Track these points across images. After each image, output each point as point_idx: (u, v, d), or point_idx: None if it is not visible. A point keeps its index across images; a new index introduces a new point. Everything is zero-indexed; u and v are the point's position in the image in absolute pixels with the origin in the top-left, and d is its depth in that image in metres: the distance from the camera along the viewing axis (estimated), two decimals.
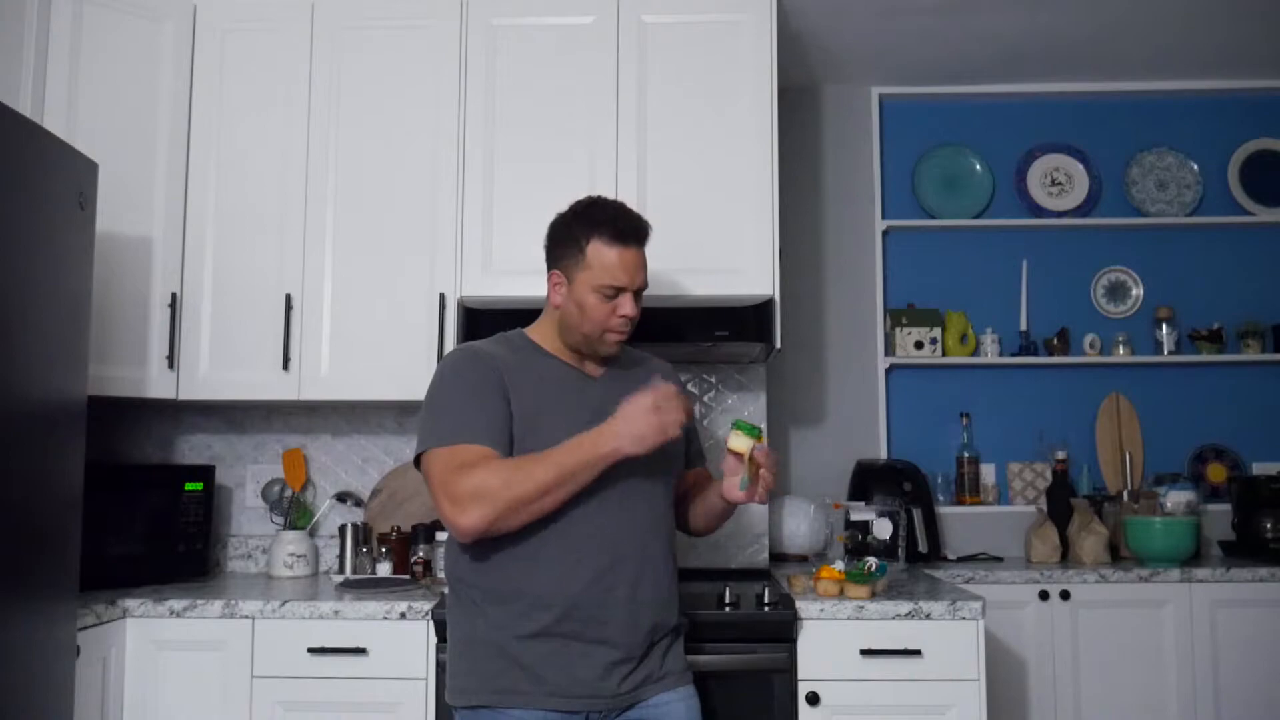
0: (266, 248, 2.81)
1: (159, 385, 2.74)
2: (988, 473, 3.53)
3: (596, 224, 1.90)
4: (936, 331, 3.50)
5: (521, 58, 2.83)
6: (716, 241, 2.75)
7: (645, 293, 1.96)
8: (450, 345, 2.72)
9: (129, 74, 2.74)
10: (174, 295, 2.76)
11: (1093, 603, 2.99)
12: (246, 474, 3.11)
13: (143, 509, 2.74)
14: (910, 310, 3.55)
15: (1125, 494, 3.35)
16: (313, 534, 3.04)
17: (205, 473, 2.86)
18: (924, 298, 3.59)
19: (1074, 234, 3.63)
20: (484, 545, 1.83)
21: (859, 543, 2.74)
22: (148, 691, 2.42)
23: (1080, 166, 3.65)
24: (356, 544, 2.91)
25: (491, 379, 1.86)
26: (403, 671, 2.38)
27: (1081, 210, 3.63)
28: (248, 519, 3.09)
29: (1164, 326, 3.52)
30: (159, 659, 2.43)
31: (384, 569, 2.80)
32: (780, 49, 2.90)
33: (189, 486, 2.81)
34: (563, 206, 1.99)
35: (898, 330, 3.52)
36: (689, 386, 3.09)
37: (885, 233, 3.60)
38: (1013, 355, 3.55)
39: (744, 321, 2.68)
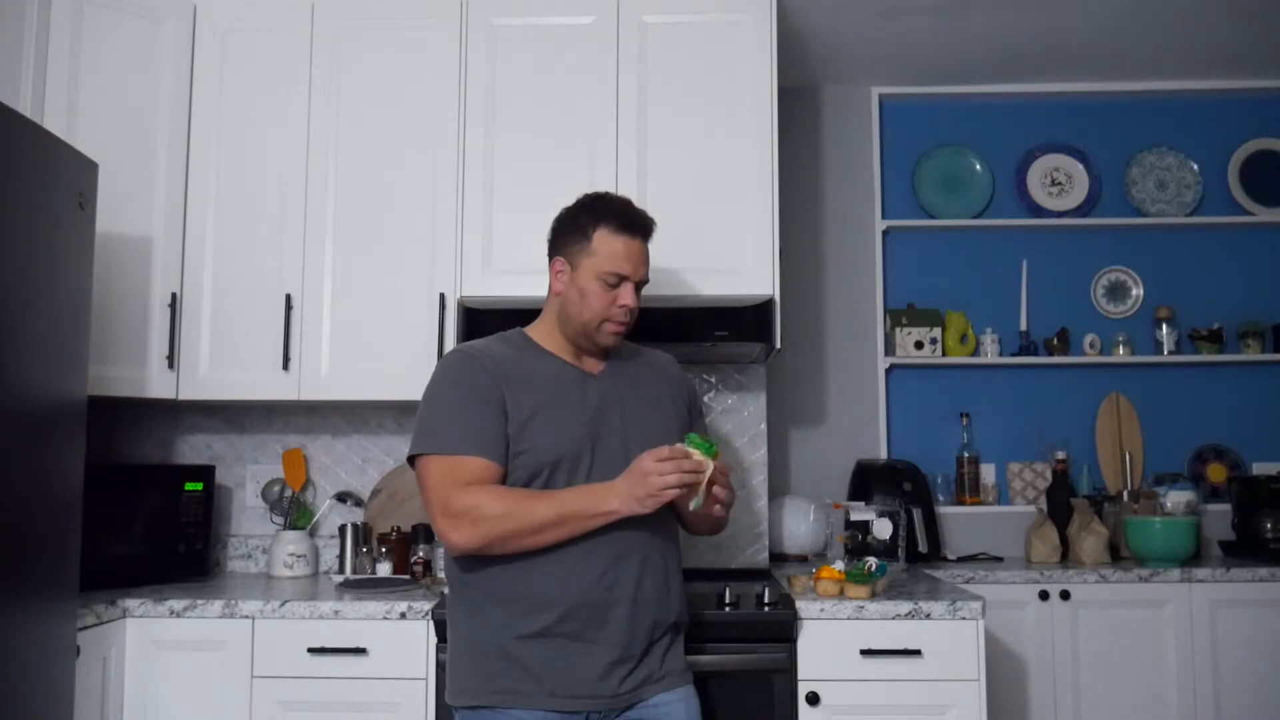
0: (266, 248, 2.80)
1: (159, 385, 2.73)
2: (988, 473, 3.53)
3: (604, 213, 1.94)
4: (936, 331, 3.50)
5: (521, 58, 2.83)
6: (716, 241, 2.75)
7: (645, 293, 1.98)
8: (450, 345, 2.71)
9: (129, 74, 2.74)
10: (174, 295, 2.76)
11: (1093, 603, 2.98)
12: (246, 474, 3.11)
13: (143, 509, 2.74)
14: (910, 310, 3.55)
15: (1125, 494, 3.35)
16: (313, 534, 3.04)
17: (205, 473, 2.86)
18: (924, 298, 3.59)
19: (1074, 234, 3.63)
20: None
21: (859, 543, 2.73)
22: (148, 691, 2.42)
23: (1080, 166, 3.64)
24: (356, 544, 2.92)
25: (489, 386, 1.86)
26: (403, 672, 2.38)
27: (1081, 210, 3.62)
28: (248, 519, 3.09)
29: (1164, 326, 3.52)
30: (159, 659, 2.43)
31: (384, 569, 2.80)
32: (780, 49, 2.90)
33: (189, 486, 2.81)
34: (563, 206, 2.00)
35: (898, 330, 3.52)
36: None
37: (885, 233, 3.59)
38: (1013, 355, 3.54)
39: (744, 321, 2.68)
